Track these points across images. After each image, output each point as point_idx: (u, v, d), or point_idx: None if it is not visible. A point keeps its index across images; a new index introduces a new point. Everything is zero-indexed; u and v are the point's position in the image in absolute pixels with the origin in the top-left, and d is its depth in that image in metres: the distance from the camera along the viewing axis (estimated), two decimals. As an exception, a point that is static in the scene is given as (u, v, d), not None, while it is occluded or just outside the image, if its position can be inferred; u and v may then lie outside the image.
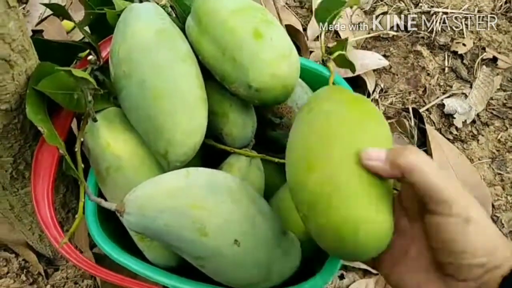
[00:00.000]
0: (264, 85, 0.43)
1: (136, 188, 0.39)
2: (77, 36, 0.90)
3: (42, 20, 0.90)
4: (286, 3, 0.98)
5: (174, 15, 0.54)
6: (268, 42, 0.44)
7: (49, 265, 0.70)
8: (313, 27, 0.93)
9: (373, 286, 0.70)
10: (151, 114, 0.43)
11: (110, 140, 0.46)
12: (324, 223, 0.32)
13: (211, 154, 0.54)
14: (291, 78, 0.45)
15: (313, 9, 0.94)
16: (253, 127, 0.53)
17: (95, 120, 0.44)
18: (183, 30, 0.50)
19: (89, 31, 0.58)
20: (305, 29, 0.94)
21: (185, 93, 0.43)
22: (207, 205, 0.39)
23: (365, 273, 0.72)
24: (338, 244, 0.32)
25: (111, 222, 0.49)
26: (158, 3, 0.54)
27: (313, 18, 0.94)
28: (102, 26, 0.53)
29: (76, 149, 0.42)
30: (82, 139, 0.44)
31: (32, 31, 0.87)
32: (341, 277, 0.71)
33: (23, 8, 0.91)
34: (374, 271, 0.71)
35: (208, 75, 0.49)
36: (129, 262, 0.46)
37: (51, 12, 0.88)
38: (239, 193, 0.42)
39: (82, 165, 0.42)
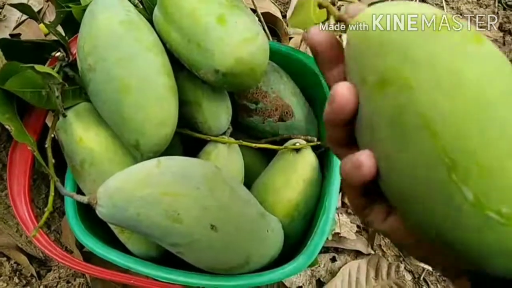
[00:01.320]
0: (231, 69, 0.43)
1: (108, 179, 0.39)
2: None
3: (19, 24, 0.89)
4: (266, -9, 0.98)
5: (141, 6, 0.54)
6: (233, 26, 0.44)
7: (41, 266, 0.70)
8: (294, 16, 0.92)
9: (365, 266, 0.70)
10: (118, 106, 0.43)
11: (82, 134, 0.46)
12: None
13: (192, 143, 0.54)
14: (258, 61, 0.45)
15: (291, -5, 0.94)
16: (228, 114, 0.53)
17: (64, 115, 0.44)
18: (150, 21, 0.50)
19: (62, 30, 0.58)
20: (284, 16, 0.93)
21: (152, 83, 0.43)
22: (180, 192, 0.39)
23: (357, 255, 0.72)
24: None
25: (94, 217, 0.49)
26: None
27: (291, 3, 0.94)
28: (74, 24, 0.53)
29: (46, 145, 0.42)
30: (53, 135, 0.44)
31: (10, 35, 0.87)
32: (333, 259, 0.71)
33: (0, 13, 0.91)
34: (365, 252, 0.71)
35: (180, 65, 0.49)
36: (111, 255, 0.46)
37: (28, 16, 0.88)
38: (214, 179, 0.42)
39: (53, 161, 0.42)
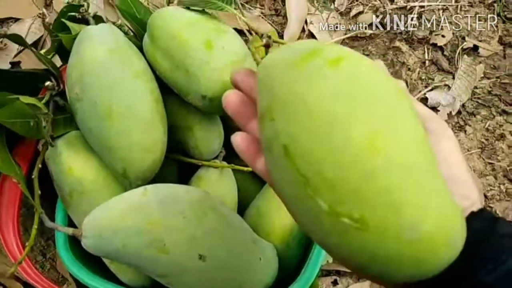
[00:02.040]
0: (217, 94, 0.43)
1: (93, 210, 0.39)
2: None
3: (19, 52, 0.91)
4: (262, 13, 0.98)
5: (131, 33, 0.54)
6: (219, 51, 0.44)
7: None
8: (289, 33, 0.92)
9: (368, 289, 0.68)
10: (104, 134, 0.42)
11: (71, 164, 0.45)
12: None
13: (188, 168, 0.53)
14: (245, 84, 0.44)
15: (288, 17, 0.94)
16: (220, 138, 0.52)
17: (52, 145, 0.44)
18: (141, 48, 0.50)
19: (59, 59, 0.58)
20: (281, 37, 0.93)
21: (138, 110, 0.43)
22: (165, 222, 0.38)
23: (360, 277, 0.70)
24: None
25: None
26: (114, 23, 0.54)
27: (288, 23, 0.94)
28: (69, 52, 0.54)
29: (33, 176, 0.42)
30: (40, 166, 0.43)
31: (10, 63, 0.88)
32: (335, 282, 0.69)
33: (1, 42, 0.92)
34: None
35: (171, 91, 0.49)
36: (102, 286, 0.45)
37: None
38: (202, 207, 0.41)
39: (39, 192, 0.42)
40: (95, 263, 0.49)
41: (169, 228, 0.38)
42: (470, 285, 0.22)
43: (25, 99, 0.40)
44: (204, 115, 0.50)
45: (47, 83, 0.48)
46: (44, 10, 1.03)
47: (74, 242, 0.48)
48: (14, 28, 0.99)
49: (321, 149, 0.21)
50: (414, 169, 0.20)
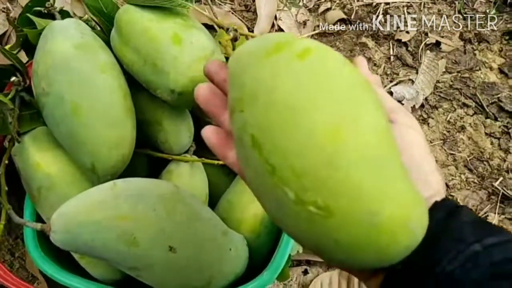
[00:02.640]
0: (186, 89, 0.43)
1: (62, 206, 0.39)
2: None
3: (-18, 48, 0.88)
4: (232, 8, 0.99)
5: (99, 28, 0.54)
6: (188, 46, 0.44)
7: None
8: (259, 28, 0.93)
9: (337, 278, 0.70)
10: (72, 129, 0.42)
11: (39, 159, 0.45)
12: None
13: (158, 163, 0.54)
14: (213, 79, 0.45)
15: (258, 13, 0.95)
16: (190, 132, 0.53)
17: (18, 141, 0.43)
18: (108, 43, 0.50)
19: (24, 54, 0.57)
20: (252, 32, 0.94)
21: (106, 105, 0.43)
22: (135, 215, 0.39)
23: (329, 266, 0.72)
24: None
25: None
26: (81, 18, 0.54)
27: (258, 19, 0.95)
28: (35, 47, 0.53)
29: (-1, 173, 0.42)
30: (7, 162, 0.43)
31: (-27, 58, 0.85)
32: (305, 272, 0.71)
33: (-39, 37, 0.89)
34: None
35: (139, 85, 0.49)
36: (71, 281, 0.45)
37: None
38: (172, 200, 0.42)
39: (6, 188, 0.42)
40: (65, 259, 0.49)
41: (139, 222, 0.38)
42: (433, 273, 0.22)
43: (-11, 94, 0.39)
44: (173, 110, 0.51)
45: (13, 78, 0.48)
46: (8, 4, 1.00)
47: (43, 239, 0.48)
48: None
49: (286, 139, 0.22)
50: (374, 159, 0.21)
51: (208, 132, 0.30)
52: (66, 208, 0.38)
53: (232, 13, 0.98)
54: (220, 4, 0.98)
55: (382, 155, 0.22)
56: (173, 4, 0.47)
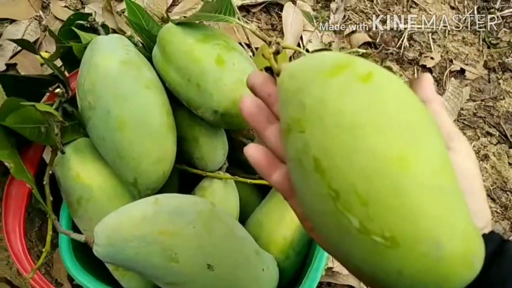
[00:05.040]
0: (229, 110, 0.44)
1: (105, 218, 0.39)
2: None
3: (15, 54, 0.90)
4: (258, 27, 1.01)
5: (140, 45, 0.55)
6: (230, 67, 0.45)
7: (29, 300, 0.69)
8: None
9: (357, 301, 0.70)
10: (116, 144, 0.43)
11: (80, 171, 0.46)
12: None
13: (187, 178, 0.55)
14: (255, 101, 0.46)
15: (284, 31, 0.96)
16: (225, 150, 0.54)
17: (62, 152, 0.44)
18: (150, 59, 0.51)
19: (61, 64, 0.59)
20: (277, 53, 0.95)
21: (150, 121, 0.44)
22: (177, 231, 0.39)
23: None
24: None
25: (88, 252, 0.49)
26: (124, 34, 0.55)
27: (284, 38, 0.96)
28: (73, 59, 0.54)
29: (44, 182, 0.42)
30: (51, 172, 0.44)
31: (6, 65, 0.87)
32: (325, 294, 0.71)
33: (-3, 43, 0.92)
34: (357, 287, 0.71)
35: (177, 102, 0.50)
36: (105, 292, 0.46)
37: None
38: (210, 217, 0.42)
39: (51, 198, 0.42)
40: (96, 269, 0.49)
41: (180, 238, 0.39)
42: None
43: (41, 106, 0.40)
44: (210, 127, 0.52)
45: (57, 90, 0.49)
46: (41, 12, 1.03)
47: (77, 249, 0.49)
48: (9, 29, 0.98)
49: (353, 164, 0.21)
50: (439, 188, 0.21)
51: (253, 150, 0.29)
52: (109, 221, 0.39)
53: (259, 32, 0.99)
54: (246, 22, 1.00)
55: (446, 184, 0.22)
56: (217, 19, 0.48)
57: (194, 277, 0.39)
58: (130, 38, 0.55)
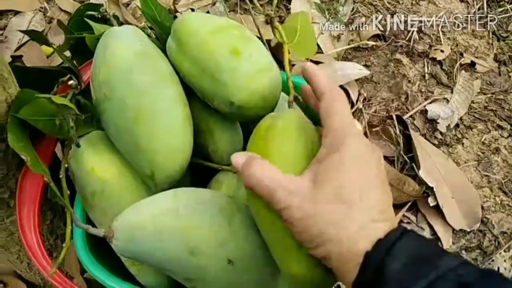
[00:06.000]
0: (245, 101, 0.44)
1: (124, 212, 0.39)
2: (57, 60, 0.89)
3: (21, 46, 0.89)
4: (266, 20, 0.99)
5: (154, 36, 0.54)
6: (247, 58, 0.44)
7: (39, 293, 0.69)
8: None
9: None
10: (133, 136, 0.42)
11: (94, 164, 0.45)
12: None
13: (200, 172, 0.54)
14: (271, 93, 0.45)
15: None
16: (240, 143, 0.53)
17: (78, 145, 0.43)
18: (163, 51, 0.50)
19: (69, 55, 0.58)
20: (286, 43, 0.94)
21: (166, 113, 0.43)
22: (198, 226, 0.39)
23: None
24: None
25: (101, 246, 0.48)
26: (137, 26, 0.54)
27: (293, 31, 0.95)
28: (82, 50, 0.53)
29: (61, 176, 0.42)
30: (66, 165, 0.43)
31: (11, 56, 0.86)
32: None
33: (1, 34, 0.90)
34: None
35: (192, 94, 0.49)
36: (120, 287, 0.45)
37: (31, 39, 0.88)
38: (229, 210, 0.42)
39: (68, 192, 0.42)
40: (110, 263, 0.49)
41: (200, 232, 0.38)
42: None
43: (57, 99, 0.40)
44: (225, 120, 0.51)
45: (70, 81, 0.48)
46: (46, 4, 1.01)
47: (92, 243, 0.48)
48: (14, 21, 0.97)
49: None
50: None
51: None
52: (128, 215, 0.38)
53: (267, 24, 0.98)
54: (255, 14, 0.99)
55: None
56: None
57: (215, 272, 0.39)
58: (143, 29, 0.54)
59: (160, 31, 0.53)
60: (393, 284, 0.26)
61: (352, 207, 0.29)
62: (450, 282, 0.25)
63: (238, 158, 0.35)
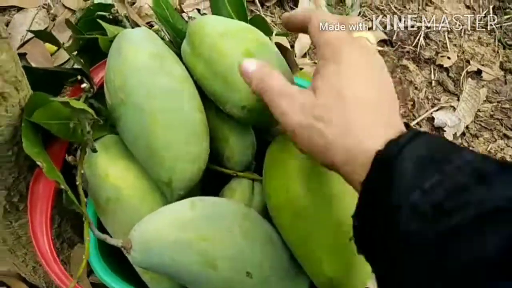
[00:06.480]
0: (257, 106, 0.43)
1: (141, 222, 0.38)
2: (61, 58, 0.88)
3: (24, 43, 0.88)
4: (272, 21, 0.99)
5: (167, 39, 0.53)
6: (260, 62, 0.44)
7: (42, 297, 0.68)
8: (301, 43, 0.93)
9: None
10: (150, 142, 0.41)
11: (109, 170, 0.44)
12: None
13: (210, 178, 0.53)
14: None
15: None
16: (253, 149, 0.52)
17: (95, 151, 0.42)
18: (177, 54, 0.49)
19: (76, 55, 0.57)
20: (292, 46, 0.94)
21: (184, 118, 0.43)
22: (216, 237, 0.38)
23: None
24: None
25: (113, 252, 0.47)
26: (147, 27, 0.53)
27: (300, 34, 0.95)
28: (92, 50, 0.52)
29: (77, 183, 0.41)
30: (82, 171, 0.42)
31: (15, 54, 0.85)
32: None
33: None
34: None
35: (205, 98, 0.48)
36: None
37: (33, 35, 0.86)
38: (246, 221, 0.41)
39: (85, 200, 0.41)
40: (121, 268, 0.48)
41: (220, 244, 0.38)
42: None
43: (75, 103, 0.39)
44: (239, 126, 0.50)
45: (84, 84, 0.47)
46: (49, 1, 1.00)
47: (102, 249, 0.47)
48: (17, 17, 0.96)
49: None
50: None
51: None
52: (146, 226, 0.37)
53: (273, 26, 0.98)
54: (265, 16, 0.98)
55: None
56: None
57: (233, 284, 0.38)
58: (156, 32, 0.53)
59: (174, 34, 0.52)
60: (406, 179, 0.24)
61: (357, 108, 0.29)
62: (468, 174, 0.23)
63: (248, 64, 0.37)
